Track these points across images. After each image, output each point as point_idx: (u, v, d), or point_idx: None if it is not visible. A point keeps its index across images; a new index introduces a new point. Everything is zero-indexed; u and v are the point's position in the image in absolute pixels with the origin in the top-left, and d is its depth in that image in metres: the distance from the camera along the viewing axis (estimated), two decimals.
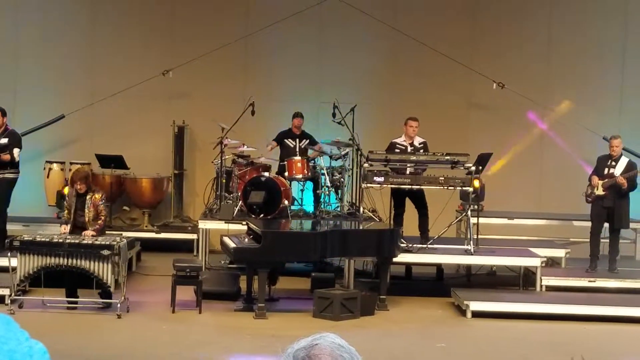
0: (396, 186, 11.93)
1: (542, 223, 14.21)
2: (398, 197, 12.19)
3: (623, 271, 12.13)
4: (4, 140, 11.74)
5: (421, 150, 12.19)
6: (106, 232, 11.13)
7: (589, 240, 12.38)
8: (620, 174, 11.73)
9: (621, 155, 12.03)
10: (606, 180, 11.84)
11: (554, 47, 15.27)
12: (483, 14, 15.30)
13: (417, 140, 12.32)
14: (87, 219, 10.49)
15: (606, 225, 12.10)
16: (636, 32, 15.13)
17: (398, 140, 12.31)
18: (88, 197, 10.51)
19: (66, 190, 10.95)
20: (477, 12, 15.33)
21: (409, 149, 12.21)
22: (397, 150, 12.16)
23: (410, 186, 11.92)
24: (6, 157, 11.70)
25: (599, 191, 11.86)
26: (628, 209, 11.97)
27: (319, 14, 14.89)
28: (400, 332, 9.94)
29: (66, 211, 10.80)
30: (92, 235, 10.31)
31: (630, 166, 11.89)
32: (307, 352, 1.88)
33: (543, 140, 15.24)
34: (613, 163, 11.94)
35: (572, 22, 15.20)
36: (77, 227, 10.59)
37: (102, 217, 10.64)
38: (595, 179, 11.90)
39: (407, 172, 12.03)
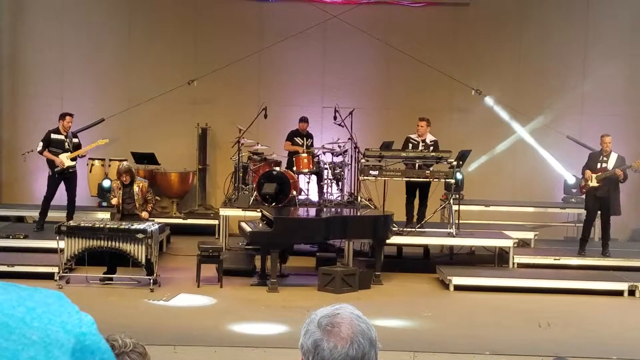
0: (400, 179, 11.92)
1: (514, 210, 14.20)
2: (410, 188, 12.21)
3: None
4: (76, 140, 12.05)
5: (431, 148, 12.12)
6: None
7: (554, 224, 12.32)
8: (614, 167, 11.52)
9: (611, 151, 11.70)
10: (600, 173, 11.58)
11: (523, 58, 15.23)
12: (462, 30, 15.24)
13: (429, 138, 12.28)
14: (136, 205, 10.62)
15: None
16: (595, 46, 15.07)
17: (412, 136, 12.31)
18: (134, 187, 10.61)
19: (111, 183, 11.10)
20: (457, 29, 15.27)
21: (421, 145, 12.19)
22: (410, 145, 12.15)
23: (401, 179, 11.93)
24: (84, 154, 12.18)
25: (593, 183, 11.57)
26: (619, 198, 11.77)
27: (322, 31, 14.88)
28: (393, 303, 9.94)
29: (114, 199, 10.82)
30: (146, 217, 10.60)
31: (621, 160, 11.60)
32: (329, 320, 1.87)
33: (515, 138, 15.19)
34: (605, 158, 11.65)
35: (539, 34, 15.15)
36: (125, 215, 10.64)
37: (152, 202, 10.89)
38: (588, 172, 11.63)
39: (417, 167, 12.01)
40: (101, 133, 14.79)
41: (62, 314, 1.36)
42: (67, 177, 11.99)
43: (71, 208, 12.11)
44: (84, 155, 12.40)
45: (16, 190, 14.93)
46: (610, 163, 11.60)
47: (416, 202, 12.35)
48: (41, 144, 11.94)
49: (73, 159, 11.90)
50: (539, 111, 14.86)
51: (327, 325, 1.86)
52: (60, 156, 11.80)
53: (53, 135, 11.94)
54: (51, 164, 11.94)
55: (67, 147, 11.88)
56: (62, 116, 12.02)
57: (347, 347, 1.83)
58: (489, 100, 14.69)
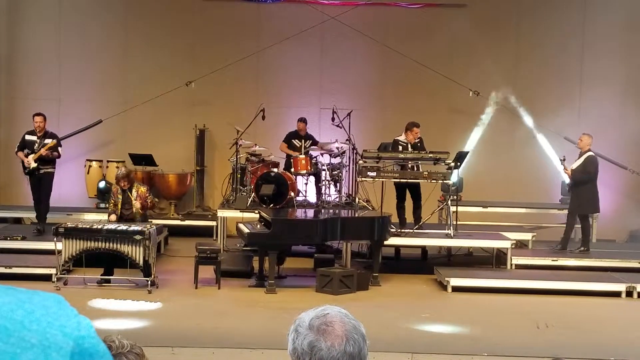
0: (397, 180, 11.92)
1: (512, 211, 14.21)
2: (400, 191, 12.21)
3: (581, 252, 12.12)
4: (48, 141, 11.77)
5: (418, 146, 12.19)
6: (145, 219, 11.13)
7: (551, 225, 12.38)
8: (579, 166, 11.65)
9: (588, 150, 11.80)
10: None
11: (521, 59, 15.24)
12: (459, 32, 15.24)
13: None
14: (134, 210, 10.60)
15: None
16: (592, 51, 15.08)
17: (400, 139, 12.33)
18: (133, 191, 10.60)
19: (107, 185, 11.07)
20: (454, 30, 15.27)
21: (409, 146, 12.22)
22: (400, 147, 12.17)
23: (399, 180, 11.93)
24: (57, 154, 11.81)
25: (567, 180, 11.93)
26: (585, 196, 11.77)
27: (320, 32, 14.88)
28: (391, 305, 9.94)
29: (112, 204, 10.82)
30: (137, 207, 10.65)
31: (586, 160, 11.71)
32: (322, 320, 1.89)
33: (513, 139, 15.18)
34: (578, 157, 11.86)
35: (536, 35, 15.16)
36: (123, 220, 10.62)
37: (152, 202, 10.97)
38: (566, 170, 11.95)
39: (409, 167, 12.03)
40: (99, 135, 14.83)
41: (60, 317, 1.36)
42: (39, 177, 11.79)
43: (38, 208, 11.94)
44: (58, 156, 11.84)
45: (14, 191, 14.92)
46: (578, 162, 11.81)
47: (410, 204, 12.33)
48: (17, 145, 11.96)
49: (36, 160, 11.63)
50: (536, 112, 14.85)
51: (321, 325, 1.88)
52: (28, 157, 11.66)
53: (27, 137, 11.85)
54: (22, 165, 11.85)
55: (35, 148, 11.70)
56: (33, 117, 11.92)
57: (343, 344, 1.86)
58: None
